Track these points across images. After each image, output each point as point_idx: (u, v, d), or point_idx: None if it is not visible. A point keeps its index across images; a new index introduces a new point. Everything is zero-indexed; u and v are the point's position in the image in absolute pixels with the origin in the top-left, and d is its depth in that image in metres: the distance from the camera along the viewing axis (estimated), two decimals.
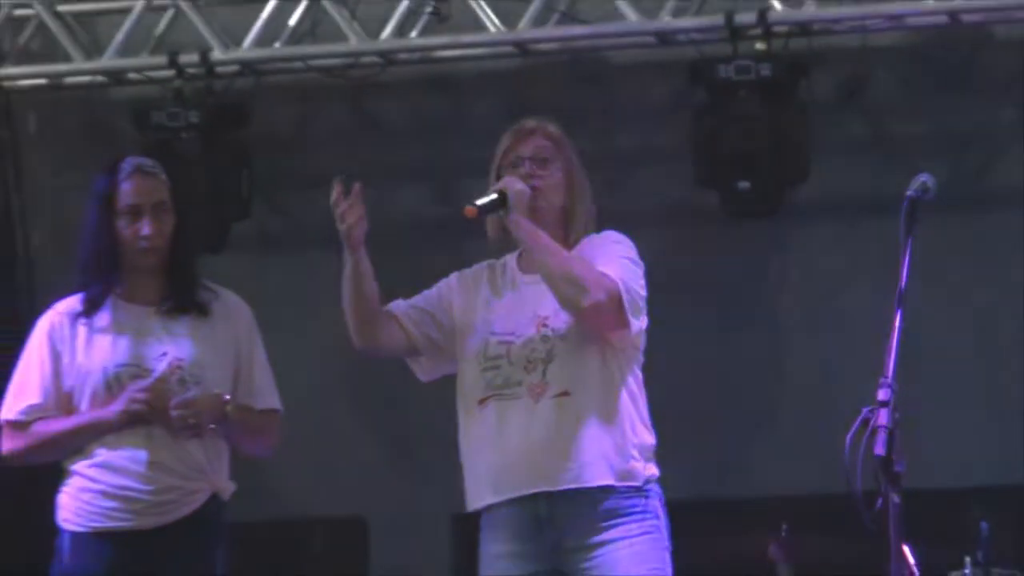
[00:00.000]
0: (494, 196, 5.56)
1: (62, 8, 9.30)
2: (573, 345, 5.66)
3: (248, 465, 6.56)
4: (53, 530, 6.34)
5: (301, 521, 9.27)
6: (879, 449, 4.63)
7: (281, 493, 8.77)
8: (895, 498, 4.66)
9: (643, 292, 5.75)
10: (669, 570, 5.66)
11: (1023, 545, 7.72)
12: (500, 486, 5.58)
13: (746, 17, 8.70)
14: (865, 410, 4.69)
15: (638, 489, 5.59)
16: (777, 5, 8.74)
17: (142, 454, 6.18)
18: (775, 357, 8.93)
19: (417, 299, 5.81)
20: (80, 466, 6.19)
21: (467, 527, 8.42)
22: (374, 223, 9.50)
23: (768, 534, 7.52)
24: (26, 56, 9.51)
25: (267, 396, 6.39)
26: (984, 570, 7.05)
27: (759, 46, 8.78)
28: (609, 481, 5.55)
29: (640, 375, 5.76)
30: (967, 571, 7.06)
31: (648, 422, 5.79)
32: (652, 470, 5.66)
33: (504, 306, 5.82)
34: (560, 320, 5.61)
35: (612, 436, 5.63)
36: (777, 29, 8.78)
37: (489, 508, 5.64)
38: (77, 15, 9.38)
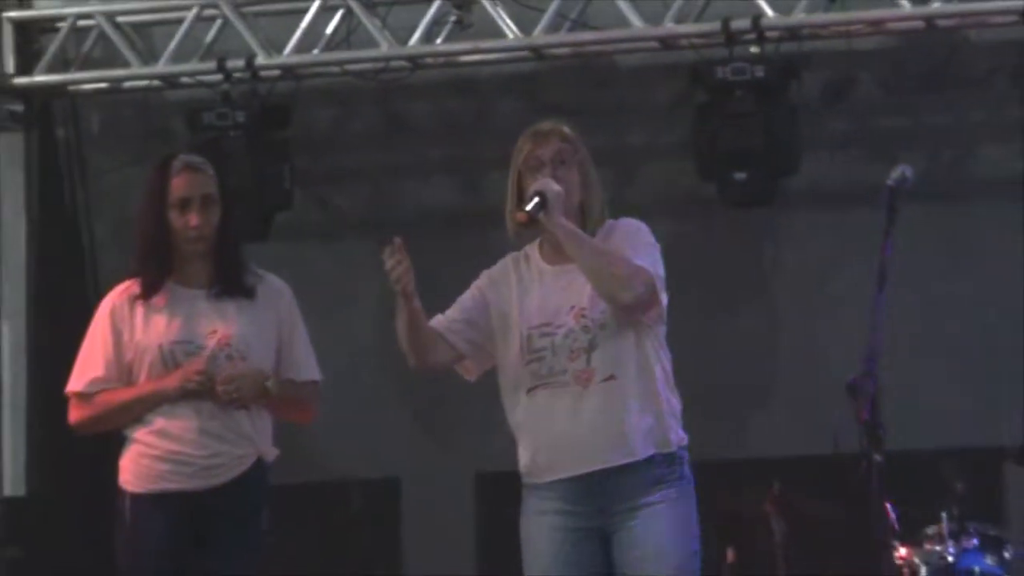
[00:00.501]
0: (537, 200, 5.72)
1: (121, 19, 9.52)
2: (612, 332, 5.82)
3: (290, 431, 6.80)
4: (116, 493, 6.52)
5: (338, 482, 9.34)
6: (864, 414, 5.16)
7: (320, 457, 8.74)
8: (877, 458, 5.20)
9: (662, 272, 5.92)
10: (697, 528, 5.88)
11: (993, 503, 7.86)
12: (555, 467, 5.78)
13: (741, 23, 8.90)
14: (850, 379, 5.20)
15: (673, 455, 5.78)
16: (769, 12, 8.93)
17: (194, 423, 6.38)
18: (769, 333, 9.16)
19: (454, 310, 5.96)
20: (139, 433, 6.40)
21: (490, 485, 8.81)
22: (406, 213, 9.70)
23: (763, 492, 7.69)
24: (89, 63, 9.66)
25: (307, 369, 6.54)
26: (959, 524, 7.26)
27: (753, 50, 8.99)
28: (652, 452, 5.74)
29: (665, 344, 5.95)
30: (945, 528, 7.26)
31: (674, 387, 5.97)
32: (683, 436, 5.84)
33: (537, 298, 5.99)
34: (597, 310, 5.78)
35: (654, 410, 5.82)
36: (769, 34, 9.03)
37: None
38: (134, 25, 9.61)
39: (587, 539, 5.79)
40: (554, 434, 5.80)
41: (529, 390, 5.75)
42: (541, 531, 5.90)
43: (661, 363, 5.81)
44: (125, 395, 6.50)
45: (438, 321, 5.90)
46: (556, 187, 5.69)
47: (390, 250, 5.65)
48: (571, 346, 5.76)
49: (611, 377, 5.74)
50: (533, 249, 5.60)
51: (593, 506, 5.75)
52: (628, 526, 5.74)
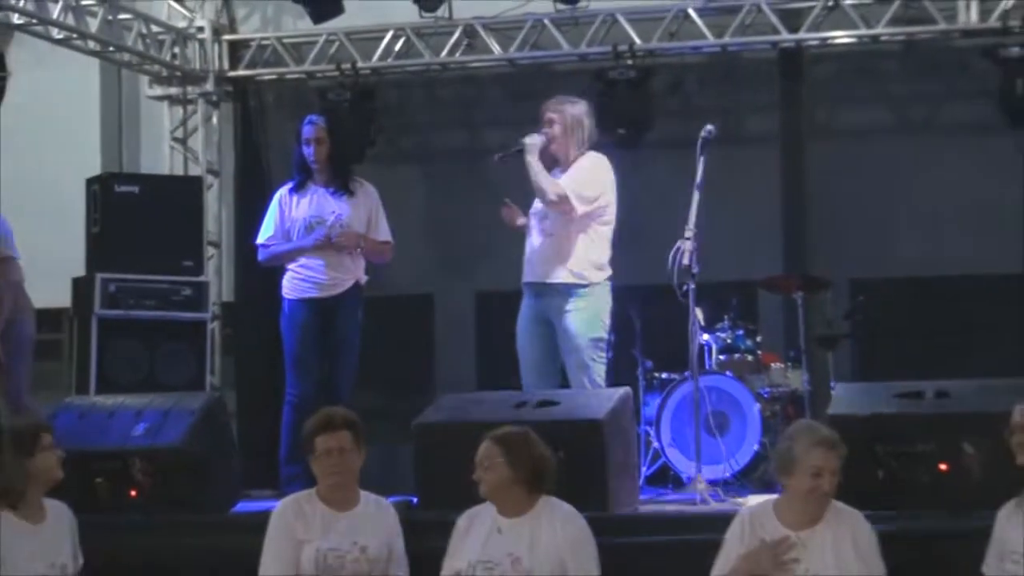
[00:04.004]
0: (518, 147, 7.11)
1: (285, 40, 10.68)
2: (561, 223, 7.01)
3: (373, 270, 8.00)
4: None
5: (390, 295, 9.39)
6: (685, 260, 6.52)
7: (385, 280, 8.68)
8: (691, 286, 6.59)
9: (591, 191, 7.05)
10: (607, 323, 7.06)
11: (751, 312, 9.10)
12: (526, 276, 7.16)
13: None
14: (679, 242, 6.54)
15: (588, 284, 7.06)
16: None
17: (321, 261, 7.62)
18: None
19: None
20: (292, 266, 7.67)
21: (485, 301, 9.93)
22: (435, 151, 10.63)
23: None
24: (267, 63, 10.80)
25: (384, 234, 7.79)
26: (732, 322, 8.65)
27: None
28: (573, 280, 7.04)
29: (597, 227, 7.08)
30: (725, 324, 8.60)
31: (598, 247, 7.05)
32: (597, 277, 7.08)
33: None
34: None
35: (576, 254, 7.05)
36: None
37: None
38: (291, 43, 10.69)
39: (538, 322, 7.18)
40: (524, 260, 7.22)
41: None
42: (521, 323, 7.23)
43: (587, 235, 7.07)
44: (286, 247, 7.72)
45: None
46: (533, 139, 7.10)
47: (504, 209, 7.33)
48: (540, 225, 7.15)
49: (552, 235, 7.07)
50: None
51: (541, 305, 7.15)
52: (561, 321, 7.06)
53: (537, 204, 7.24)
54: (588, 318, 7.07)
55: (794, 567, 4.63)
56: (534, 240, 7.22)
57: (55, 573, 5.23)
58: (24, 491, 5.23)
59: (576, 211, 7.00)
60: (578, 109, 7.26)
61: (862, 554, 4.63)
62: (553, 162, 7.23)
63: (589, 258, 7.12)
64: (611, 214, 7.20)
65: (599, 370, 7.04)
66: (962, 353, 9.00)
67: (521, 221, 7.35)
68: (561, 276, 7.09)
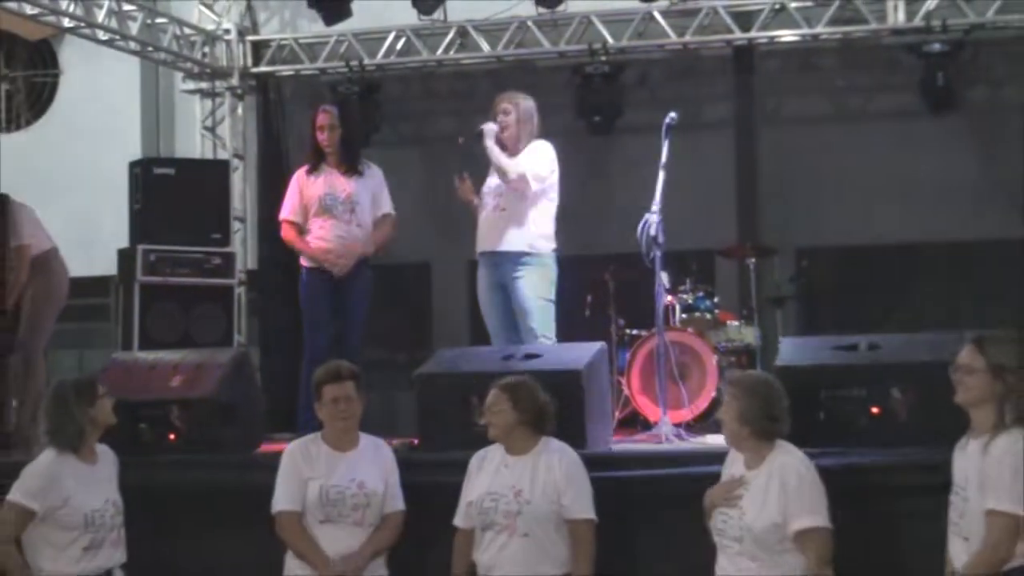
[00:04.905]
0: (478, 132, 7.10)
1: (301, 41, 10.66)
2: (516, 199, 7.01)
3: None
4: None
5: (392, 263, 9.19)
6: (652, 231, 6.45)
7: (390, 251, 8.21)
8: (658, 253, 6.47)
9: (544, 171, 7.04)
10: (552, 289, 6.99)
11: (711, 277, 9.01)
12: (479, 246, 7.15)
13: None
14: (646, 215, 6.48)
15: (539, 253, 7.07)
16: None
17: (333, 234, 7.50)
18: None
19: None
20: (310, 238, 7.54)
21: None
22: (429, 134, 10.24)
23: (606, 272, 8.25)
24: (284, 60, 10.79)
25: (387, 207, 7.68)
26: (693, 285, 8.43)
27: None
28: (525, 249, 7.06)
29: (546, 204, 7.06)
30: (687, 287, 8.41)
31: (546, 220, 7.06)
32: (546, 247, 7.09)
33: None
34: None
35: (527, 227, 7.07)
36: None
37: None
38: (306, 43, 10.67)
39: (495, 289, 7.17)
40: (479, 234, 7.16)
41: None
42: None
43: (537, 210, 7.08)
44: (300, 245, 7.56)
45: None
46: (491, 126, 7.12)
47: (458, 180, 7.22)
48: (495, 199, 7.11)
49: (505, 209, 7.07)
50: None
51: (496, 273, 7.15)
52: (514, 285, 7.06)
53: (491, 183, 7.21)
54: (538, 281, 7.06)
55: (738, 502, 4.66)
56: (489, 215, 7.18)
57: (109, 507, 5.31)
58: (86, 436, 5.32)
59: (531, 188, 6.99)
60: (529, 103, 7.25)
61: (788, 494, 4.57)
62: (502, 148, 7.19)
63: (539, 231, 7.11)
64: (556, 193, 7.19)
65: (550, 327, 7.03)
66: (891, 310, 9.11)
67: (474, 199, 7.28)
68: (515, 245, 7.07)
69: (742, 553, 4.62)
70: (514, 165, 7.06)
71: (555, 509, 4.97)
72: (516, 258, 7.07)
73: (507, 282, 7.09)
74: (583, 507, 5.02)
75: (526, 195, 7.05)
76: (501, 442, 5.14)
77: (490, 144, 7.08)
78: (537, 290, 7.05)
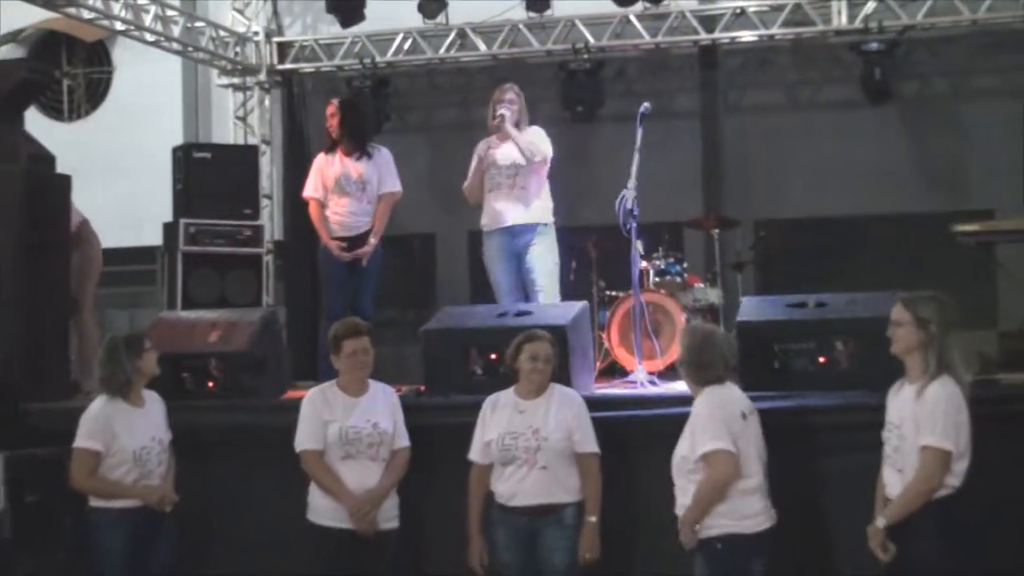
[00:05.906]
0: (500, 116, 7.03)
1: (320, 42, 10.53)
2: (531, 177, 6.99)
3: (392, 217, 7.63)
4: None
5: (401, 234, 9.20)
6: (628, 205, 6.33)
7: (399, 223, 8.32)
8: (633, 225, 6.36)
9: (550, 152, 7.06)
10: (556, 256, 7.03)
11: (680, 246, 8.65)
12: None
13: None
14: (623, 192, 6.38)
15: (548, 224, 7.14)
16: None
17: (346, 209, 7.41)
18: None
19: None
20: (327, 212, 7.45)
21: (477, 238, 8.08)
22: (427, 120, 9.98)
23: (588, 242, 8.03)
24: (306, 58, 10.64)
25: (393, 185, 7.48)
26: (665, 252, 8.07)
27: None
28: (542, 220, 7.06)
29: (547, 182, 7.08)
30: (659, 254, 8.05)
31: (550, 202, 7.10)
32: (551, 218, 7.16)
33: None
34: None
35: (542, 200, 7.10)
36: None
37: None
38: (325, 44, 10.54)
39: (510, 257, 7.07)
40: (496, 210, 7.10)
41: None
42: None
43: (542, 186, 7.07)
44: (318, 221, 7.42)
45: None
46: (508, 111, 7.07)
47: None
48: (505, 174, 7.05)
49: (524, 188, 7.02)
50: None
51: (514, 243, 7.10)
52: (528, 252, 7.07)
53: (502, 163, 7.06)
54: (548, 249, 7.09)
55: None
56: (507, 192, 7.07)
57: (155, 445, 5.32)
58: (134, 384, 5.34)
59: (545, 166, 7.03)
60: (523, 95, 7.24)
61: (694, 426, 4.62)
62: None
63: (546, 204, 7.15)
64: None
65: (556, 288, 7.07)
66: (837, 274, 8.95)
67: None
68: (535, 218, 7.04)
69: (678, 478, 4.69)
70: (536, 146, 7.02)
71: (568, 444, 4.98)
72: (532, 229, 7.02)
73: (521, 251, 7.04)
74: (590, 442, 5.04)
75: (539, 173, 7.01)
76: (544, 388, 5.08)
77: (514, 130, 6.98)
78: (549, 256, 7.07)
